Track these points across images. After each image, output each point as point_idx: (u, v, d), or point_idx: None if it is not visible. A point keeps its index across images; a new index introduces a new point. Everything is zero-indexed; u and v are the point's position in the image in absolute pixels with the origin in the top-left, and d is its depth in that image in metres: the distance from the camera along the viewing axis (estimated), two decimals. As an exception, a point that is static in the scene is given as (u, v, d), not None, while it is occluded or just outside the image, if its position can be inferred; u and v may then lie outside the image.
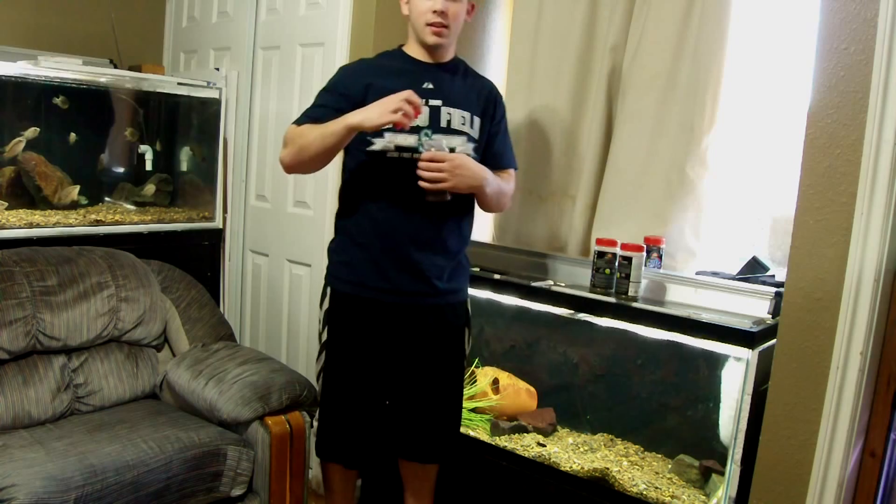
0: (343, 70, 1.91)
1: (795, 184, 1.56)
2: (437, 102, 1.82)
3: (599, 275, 2.01)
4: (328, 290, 1.92)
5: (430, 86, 1.83)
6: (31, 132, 2.41)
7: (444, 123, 1.82)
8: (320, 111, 1.79)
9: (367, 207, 1.82)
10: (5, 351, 2.01)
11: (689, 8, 2.10)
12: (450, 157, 1.71)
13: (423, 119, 1.78)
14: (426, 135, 1.80)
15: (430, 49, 1.84)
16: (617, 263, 1.97)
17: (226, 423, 2.05)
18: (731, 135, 2.10)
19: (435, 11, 1.78)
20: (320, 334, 1.94)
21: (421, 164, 1.70)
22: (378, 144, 1.77)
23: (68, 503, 1.65)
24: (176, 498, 1.87)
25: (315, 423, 1.99)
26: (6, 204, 2.41)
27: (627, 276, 1.95)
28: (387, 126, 1.68)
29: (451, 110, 1.83)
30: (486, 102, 1.91)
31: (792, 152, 1.77)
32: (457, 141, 1.82)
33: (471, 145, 1.85)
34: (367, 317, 1.86)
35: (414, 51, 1.86)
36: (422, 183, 1.70)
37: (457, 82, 1.87)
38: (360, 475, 2.48)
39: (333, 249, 1.93)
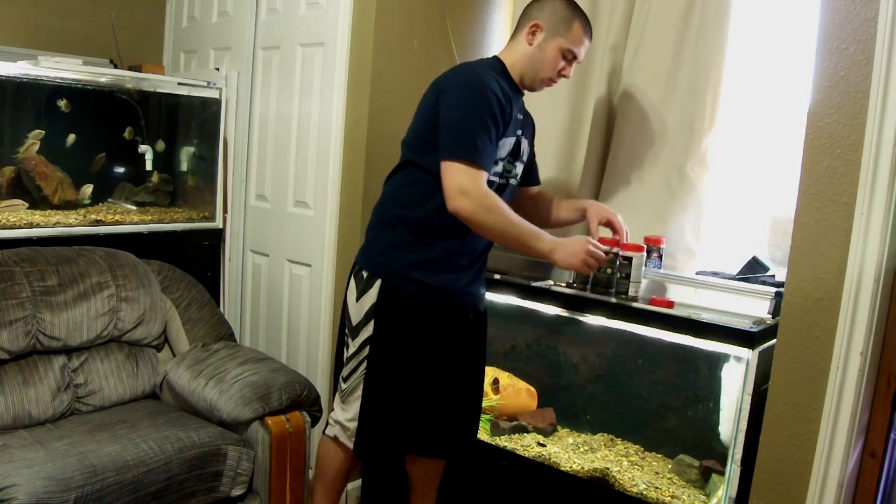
0: (495, 96, 1.75)
1: (795, 184, 1.56)
2: (520, 132, 1.89)
3: (600, 274, 2.01)
4: (378, 282, 1.81)
5: (521, 117, 1.89)
6: (37, 133, 2.41)
7: (521, 153, 1.92)
8: (492, 153, 1.76)
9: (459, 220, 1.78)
10: (5, 351, 2.01)
11: (689, 8, 2.10)
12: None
13: (515, 148, 1.88)
14: (511, 162, 1.88)
15: (525, 86, 1.90)
16: (617, 263, 1.97)
17: (226, 423, 2.05)
18: (731, 135, 2.10)
19: (563, 75, 1.88)
20: (358, 329, 1.84)
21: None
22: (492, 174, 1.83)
23: (68, 503, 1.65)
24: (176, 498, 1.87)
25: (349, 423, 1.89)
26: (27, 203, 2.42)
27: (628, 276, 1.95)
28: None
29: (524, 140, 1.93)
30: (533, 134, 2.01)
31: (792, 152, 1.77)
32: (519, 169, 1.94)
33: (522, 168, 1.97)
34: (432, 318, 1.84)
35: (516, 76, 1.87)
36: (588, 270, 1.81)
37: (526, 116, 1.95)
38: (360, 475, 2.49)
39: (400, 245, 1.82)
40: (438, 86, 1.81)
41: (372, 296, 1.81)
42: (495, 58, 1.89)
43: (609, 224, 1.97)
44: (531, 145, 2.01)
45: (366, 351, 1.83)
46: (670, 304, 1.89)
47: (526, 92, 1.92)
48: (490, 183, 1.79)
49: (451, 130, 1.73)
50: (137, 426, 1.99)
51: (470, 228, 1.76)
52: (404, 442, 1.90)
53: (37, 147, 2.40)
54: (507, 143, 1.83)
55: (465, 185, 1.68)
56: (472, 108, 1.72)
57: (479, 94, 1.73)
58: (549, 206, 2.09)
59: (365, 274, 1.84)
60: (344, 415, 1.89)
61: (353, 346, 1.85)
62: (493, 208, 1.70)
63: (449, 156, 1.71)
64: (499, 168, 1.84)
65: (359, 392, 1.84)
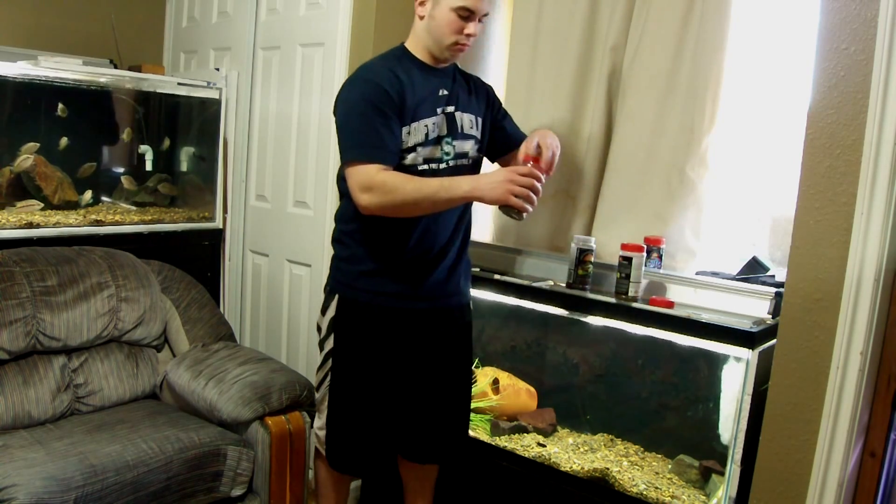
0: (373, 84, 1.70)
1: (795, 184, 1.56)
2: (451, 108, 1.82)
3: (581, 269, 2.02)
4: (336, 297, 1.83)
5: (445, 92, 1.81)
6: (30, 147, 2.41)
7: (460, 129, 1.82)
8: (384, 140, 1.68)
9: (397, 218, 1.74)
10: (5, 351, 2.01)
11: (689, 8, 2.10)
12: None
13: (441, 127, 1.79)
14: (447, 142, 1.80)
15: (438, 59, 1.81)
16: (617, 263, 1.97)
17: (226, 423, 2.05)
18: (731, 135, 2.10)
19: (469, 35, 1.74)
20: (322, 342, 1.87)
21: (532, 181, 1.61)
22: (408, 159, 1.75)
23: (68, 503, 1.65)
24: (176, 498, 1.87)
25: (319, 431, 1.91)
26: (41, 204, 2.42)
27: (628, 276, 1.95)
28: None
29: (462, 115, 1.84)
30: (486, 100, 1.92)
31: (792, 152, 1.77)
32: (468, 146, 1.85)
33: (476, 147, 1.87)
34: (390, 324, 1.82)
35: (422, 54, 1.79)
36: (522, 203, 1.60)
37: (459, 86, 1.86)
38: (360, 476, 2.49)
39: (348, 258, 1.83)
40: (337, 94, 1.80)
41: (332, 310, 1.84)
42: (400, 45, 1.82)
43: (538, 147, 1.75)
44: (487, 114, 1.90)
45: (329, 363, 1.85)
46: (670, 305, 1.89)
47: (449, 65, 1.82)
48: (419, 172, 1.73)
49: (341, 133, 1.73)
50: (137, 426, 1.99)
51: (402, 229, 1.75)
52: (375, 446, 1.90)
53: (30, 161, 2.39)
54: (419, 127, 1.74)
55: (363, 181, 1.65)
56: (351, 107, 1.69)
57: (357, 89, 1.70)
58: None
59: (327, 288, 1.88)
60: (318, 423, 1.92)
61: (320, 357, 1.89)
62: (397, 187, 1.64)
63: (344, 159, 1.71)
64: (421, 154, 1.76)
65: (326, 402, 1.88)
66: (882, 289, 1.47)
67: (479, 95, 1.90)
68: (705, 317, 1.79)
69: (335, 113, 1.78)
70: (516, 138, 1.92)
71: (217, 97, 2.79)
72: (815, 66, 1.52)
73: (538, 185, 1.61)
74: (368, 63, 1.81)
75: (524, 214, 1.64)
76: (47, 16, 2.84)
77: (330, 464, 1.91)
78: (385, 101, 1.68)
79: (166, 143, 2.92)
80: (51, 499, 1.62)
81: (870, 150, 1.45)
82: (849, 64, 1.48)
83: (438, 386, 1.92)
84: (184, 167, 2.95)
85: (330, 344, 1.85)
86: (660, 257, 2.10)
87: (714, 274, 2.04)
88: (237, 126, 2.84)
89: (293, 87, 2.61)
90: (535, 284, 2.11)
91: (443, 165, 1.80)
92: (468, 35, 1.73)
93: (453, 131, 1.81)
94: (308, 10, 2.55)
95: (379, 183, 1.64)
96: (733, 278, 1.98)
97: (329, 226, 2.47)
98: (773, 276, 1.96)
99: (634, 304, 1.91)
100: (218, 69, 2.86)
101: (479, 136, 1.88)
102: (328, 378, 1.86)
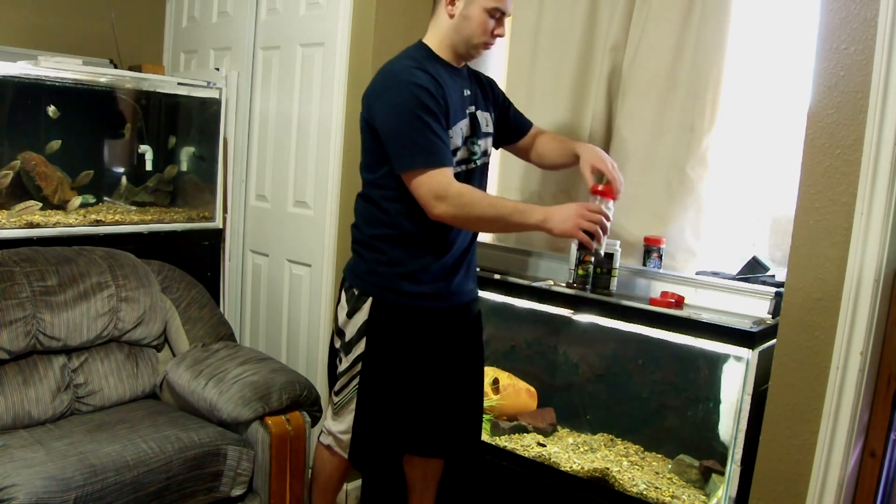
0: (420, 88, 1.67)
1: (795, 184, 1.56)
2: (473, 108, 1.83)
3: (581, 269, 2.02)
4: (369, 300, 1.80)
5: (468, 92, 1.83)
6: (13, 165, 2.39)
7: (482, 128, 1.86)
8: (444, 144, 1.68)
9: (431, 220, 1.73)
10: (5, 351, 2.01)
11: (689, 8, 2.10)
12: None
13: (467, 128, 1.80)
14: (473, 142, 1.81)
15: (462, 57, 1.82)
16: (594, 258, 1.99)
17: (226, 423, 2.04)
18: (731, 135, 2.10)
19: (497, 35, 1.77)
20: (350, 346, 1.83)
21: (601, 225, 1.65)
22: None
23: (68, 503, 1.65)
24: (176, 498, 1.87)
25: (342, 435, 1.89)
26: (40, 205, 2.42)
27: (609, 271, 1.96)
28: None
29: (481, 113, 1.87)
30: (493, 95, 1.96)
31: (792, 152, 1.77)
32: (488, 143, 1.90)
33: (491, 142, 1.92)
34: (424, 325, 1.83)
35: (445, 53, 1.79)
36: (589, 239, 1.64)
37: (474, 84, 1.89)
38: (360, 475, 2.49)
39: (386, 262, 1.80)
40: (366, 98, 1.77)
41: (364, 313, 1.81)
42: (419, 43, 1.81)
43: (599, 172, 1.83)
44: (501, 107, 1.94)
45: (358, 367, 1.82)
46: (680, 300, 1.88)
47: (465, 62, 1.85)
48: (455, 175, 1.73)
49: (396, 140, 1.68)
50: (137, 426, 1.99)
51: (443, 230, 1.75)
52: (400, 447, 1.90)
53: (9, 178, 2.37)
54: (457, 130, 1.76)
55: (437, 190, 1.64)
56: (404, 111, 1.65)
57: (403, 94, 1.66)
58: (546, 144, 2.02)
59: (356, 291, 1.83)
60: (337, 426, 1.89)
61: (346, 361, 1.85)
62: (473, 202, 1.65)
63: (407, 166, 1.67)
64: (458, 157, 1.78)
65: (352, 406, 1.85)
66: (882, 289, 1.47)
67: (487, 91, 1.93)
68: (705, 317, 1.79)
69: (372, 118, 1.73)
70: (524, 124, 2.00)
71: (217, 97, 2.79)
72: (815, 66, 1.52)
73: (607, 222, 1.66)
74: (400, 65, 1.75)
75: (594, 250, 1.71)
76: (47, 16, 2.84)
77: (354, 465, 1.89)
78: (435, 104, 1.67)
79: (172, 141, 2.91)
80: (51, 499, 1.62)
81: (870, 150, 1.45)
82: (849, 64, 1.48)
83: (464, 382, 1.95)
84: (184, 167, 2.95)
85: (361, 348, 1.81)
86: (660, 257, 2.10)
87: (714, 274, 2.04)
88: (237, 126, 2.84)
89: (293, 87, 2.61)
90: (535, 284, 2.11)
91: (472, 166, 1.83)
92: (497, 35, 1.77)
93: (477, 131, 1.84)
94: (308, 10, 2.55)
95: (455, 194, 1.64)
96: (733, 278, 1.98)
97: (329, 225, 2.48)
98: (773, 276, 1.96)
99: (634, 304, 1.91)
100: (218, 69, 2.86)
101: (493, 132, 1.92)
102: (355, 381, 1.83)
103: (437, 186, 1.64)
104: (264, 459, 2.02)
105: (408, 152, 1.66)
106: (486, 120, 1.88)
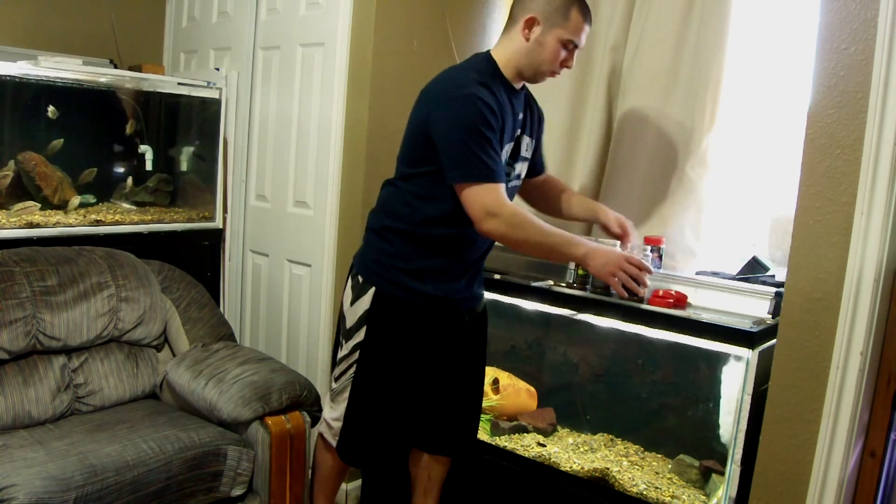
0: (485, 105, 1.68)
1: (795, 184, 1.56)
2: (519, 132, 1.85)
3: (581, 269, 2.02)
4: (372, 290, 1.81)
5: (521, 116, 1.84)
6: (9, 166, 2.39)
7: (521, 152, 1.87)
8: (498, 161, 1.71)
9: (456, 224, 1.76)
10: (5, 351, 2.01)
11: (689, 8, 2.10)
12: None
13: (510, 150, 1.82)
14: (509, 164, 1.84)
15: (526, 80, 1.83)
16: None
17: (226, 423, 2.04)
18: (731, 135, 2.10)
19: (565, 66, 1.79)
20: (350, 333, 1.85)
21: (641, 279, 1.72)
22: None
23: (68, 503, 1.65)
24: (176, 498, 1.87)
25: (333, 422, 1.91)
26: (39, 205, 2.42)
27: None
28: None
29: (526, 138, 1.89)
30: (538, 128, 1.97)
31: (792, 152, 1.77)
32: (524, 168, 1.92)
33: (526, 167, 1.94)
34: (425, 323, 1.83)
35: (510, 73, 1.79)
36: (621, 289, 1.72)
37: (528, 110, 1.89)
38: (360, 475, 2.49)
39: (393, 255, 1.81)
40: (427, 100, 1.76)
41: (365, 302, 1.82)
42: (487, 56, 1.80)
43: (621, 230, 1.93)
44: (536, 138, 1.96)
45: (356, 355, 1.84)
46: (683, 298, 1.88)
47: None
48: None
49: (456, 151, 1.67)
50: (137, 426, 1.99)
51: (459, 242, 1.77)
52: (390, 441, 1.91)
53: (8, 180, 2.38)
54: (507, 149, 1.80)
55: (491, 206, 1.66)
56: (467, 125, 1.65)
57: (471, 106, 1.66)
58: (559, 196, 2.05)
59: (360, 279, 1.85)
60: (331, 413, 1.92)
61: (345, 348, 1.87)
62: (524, 224, 1.68)
63: (462, 178, 1.67)
64: None
65: (346, 394, 1.86)
66: (882, 289, 1.47)
67: (535, 121, 1.94)
68: (705, 317, 1.79)
69: (428, 123, 1.72)
70: (537, 165, 2.03)
71: (217, 97, 2.79)
72: (815, 65, 1.52)
73: (645, 279, 1.72)
74: (465, 75, 1.74)
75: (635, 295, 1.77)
76: (47, 16, 2.84)
77: (340, 455, 1.91)
78: (495, 122, 1.69)
79: (164, 143, 2.91)
80: (50, 499, 1.62)
81: (870, 150, 1.45)
82: (849, 64, 1.48)
83: (462, 383, 1.95)
84: (184, 167, 2.95)
85: (360, 336, 1.83)
86: (660, 257, 2.10)
87: (714, 274, 2.04)
88: (237, 126, 2.84)
89: (293, 87, 2.61)
90: (535, 284, 2.11)
91: (510, 183, 1.85)
92: (564, 66, 1.79)
93: (516, 154, 1.86)
94: (308, 10, 2.55)
95: (508, 213, 1.67)
96: (733, 278, 1.98)
97: (329, 225, 2.48)
98: (773, 276, 1.96)
99: (635, 304, 1.91)
100: (218, 69, 2.86)
101: (529, 158, 1.93)
102: (352, 369, 1.85)
103: (490, 202, 1.66)
104: (264, 459, 2.02)
105: (465, 165, 1.67)
106: (527, 145, 1.90)
